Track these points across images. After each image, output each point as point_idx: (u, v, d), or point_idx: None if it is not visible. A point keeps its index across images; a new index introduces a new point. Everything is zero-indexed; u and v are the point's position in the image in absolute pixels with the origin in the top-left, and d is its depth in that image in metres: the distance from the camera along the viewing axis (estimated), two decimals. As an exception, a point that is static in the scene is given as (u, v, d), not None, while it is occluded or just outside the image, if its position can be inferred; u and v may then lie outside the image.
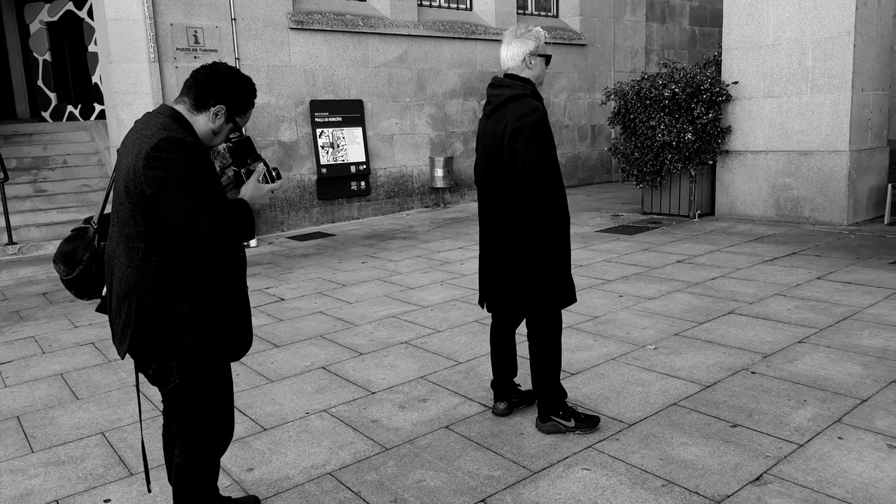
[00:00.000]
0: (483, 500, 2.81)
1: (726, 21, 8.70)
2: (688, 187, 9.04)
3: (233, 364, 4.51)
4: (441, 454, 3.20)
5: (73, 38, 11.25)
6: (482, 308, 3.50)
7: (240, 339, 2.40)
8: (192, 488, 2.43)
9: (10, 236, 8.48)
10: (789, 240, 7.49)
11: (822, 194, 8.18)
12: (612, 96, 9.27)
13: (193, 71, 2.28)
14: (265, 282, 6.90)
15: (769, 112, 8.42)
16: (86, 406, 4.03)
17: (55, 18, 11.28)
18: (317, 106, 9.88)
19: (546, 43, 3.26)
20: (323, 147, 9.98)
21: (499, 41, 11.98)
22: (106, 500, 2.99)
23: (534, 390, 3.40)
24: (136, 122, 2.28)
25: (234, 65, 8.98)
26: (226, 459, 3.26)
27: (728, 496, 2.74)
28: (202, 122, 2.25)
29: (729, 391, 3.71)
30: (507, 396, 3.56)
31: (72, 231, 2.46)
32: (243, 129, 2.41)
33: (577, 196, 11.99)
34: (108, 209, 2.37)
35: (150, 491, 2.63)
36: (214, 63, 2.30)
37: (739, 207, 8.90)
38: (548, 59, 3.23)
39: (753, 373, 3.94)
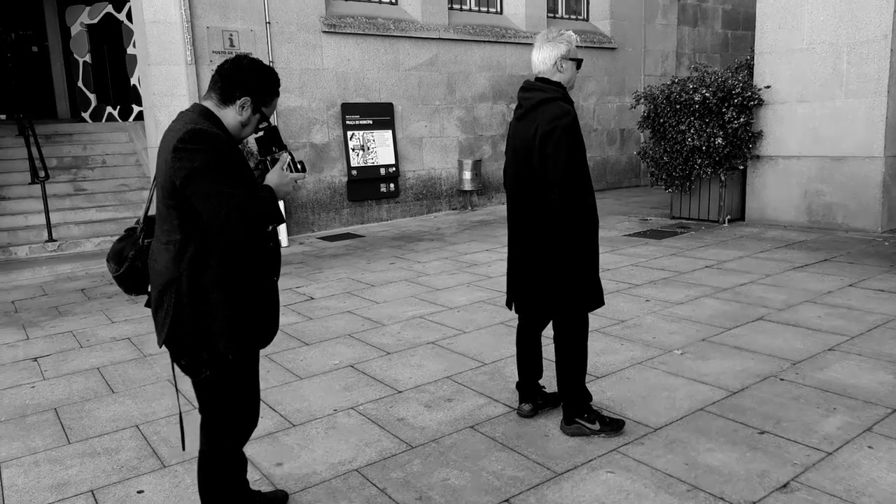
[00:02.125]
0: (507, 501, 2.84)
1: (759, 25, 8.61)
2: (718, 192, 8.96)
3: (264, 360, 4.62)
4: (466, 454, 3.24)
5: (112, 40, 11.54)
6: (510, 309, 3.53)
7: (267, 326, 2.49)
8: (216, 476, 2.52)
9: (50, 233, 8.73)
10: (821, 246, 7.38)
11: (855, 200, 8.05)
12: (642, 100, 9.22)
13: (218, 66, 2.36)
14: (295, 281, 7.00)
15: (802, 117, 8.32)
16: (121, 399, 4.15)
17: (95, 21, 11.57)
18: (348, 109, 9.99)
19: (577, 47, 3.29)
20: (353, 149, 10.09)
21: (529, 45, 11.99)
22: (139, 491, 3.08)
23: (559, 392, 3.42)
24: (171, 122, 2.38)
25: (267, 67, 9.19)
26: (255, 454, 3.34)
27: (754, 503, 2.73)
28: (231, 116, 2.33)
29: (757, 398, 3.69)
30: (532, 398, 3.58)
31: (124, 231, 2.57)
32: (272, 120, 2.48)
33: (606, 200, 11.95)
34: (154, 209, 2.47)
35: (184, 449, 2.72)
36: (237, 56, 2.37)
37: (770, 213, 8.79)
38: (579, 62, 3.26)
39: (782, 380, 3.91)
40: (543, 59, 3.18)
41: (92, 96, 12.16)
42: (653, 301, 5.63)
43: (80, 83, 12.25)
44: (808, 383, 3.84)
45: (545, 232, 3.19)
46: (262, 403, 3.91)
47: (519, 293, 3.41)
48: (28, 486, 3.18)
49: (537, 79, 3.24)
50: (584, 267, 3.22)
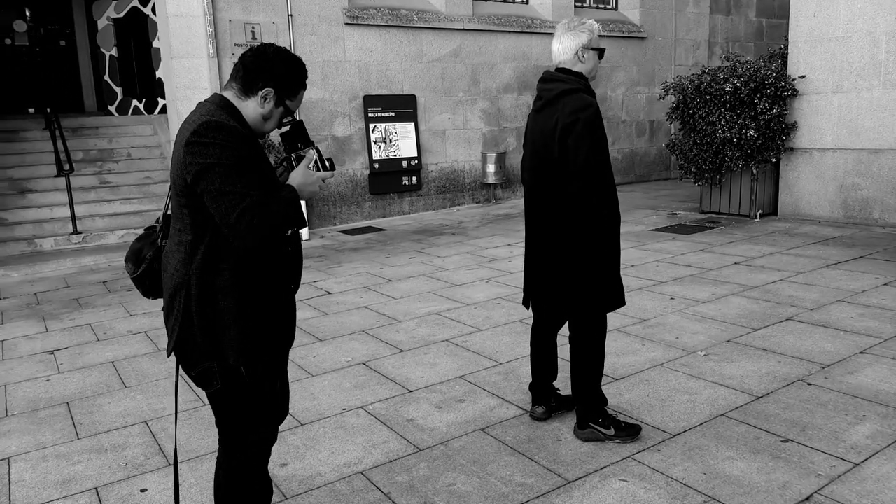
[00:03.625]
0: (514, 508, 2.73)
1: (793, 13, 8.31)
2: (749, 186, 8.69)
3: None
4: (474, 458, 3.14)
5: (138, 34, 11.60)
6: (526, 308, 3.42)
7: (282, 338, 2.30)
8: (233, 493, 2.32)
9: (74, 226, 8.81)
10: (856, 242, 7.11)
11: (893, 195, 7.73)
12: (671, 91, 8.98)
13: (241, 54, 2.18)
14: (314, 275, 6.96)
15: (838, 108, 8.01)
16: (132, 394, 4.13)
17: (121, 15, 11.65)
18: (370, 101, 9.91)
19: (600, 36, 3.14)
20: (375, 142, 10.01)
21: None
22: (143, 490, 3.04)
23: (573, 395, 3.30)
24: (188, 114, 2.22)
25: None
26: (261, 454, 3.27)
27: (774, 516, 2.59)
28: (251, 108, 2.15)
29: (782, 403, 3.52)
30: (545, 400, 3.47)
31: (144, 230, 2.41)
32: (296, 114, 2.28)
33: (634, 193, 11.71)
34: None
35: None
36: (262, 44, 2.19)
37: (804, 208, 8.50)
38: (601, 52, 3.11)
39: (810, 384, 3.73)
40: (564, 48, 3.04)
41: (118, 90, 12.27)
42: (677, 299, 5.45)
43: (106, 77, 12.36)
44: (837, 388, 3.65)
45: (564, 227, 3.06)
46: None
47: (536, 291, 3.29)
48: (34, 481, 3.16)
49: (558, 69, 3.10)
50: (604, 264, 3.08)
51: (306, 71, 2.22)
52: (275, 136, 8.32)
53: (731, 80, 8.15)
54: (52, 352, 5.00)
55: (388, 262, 7.40)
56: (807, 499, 2.68)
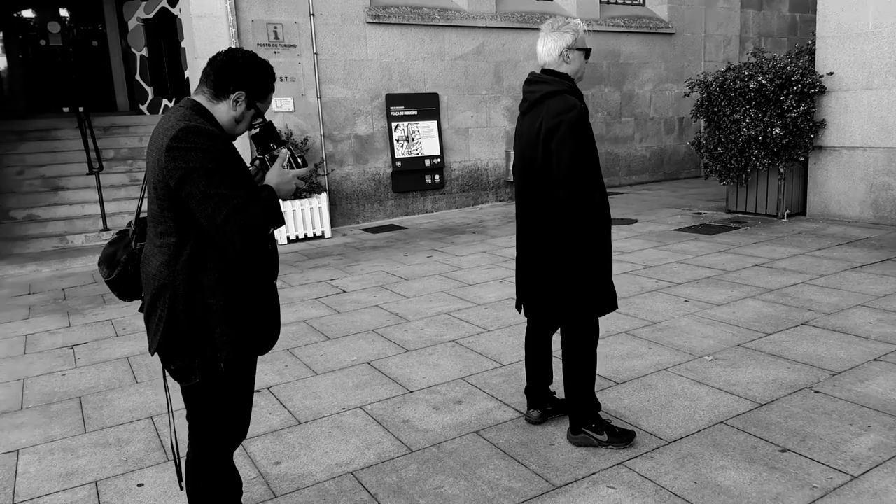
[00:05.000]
0: (498, 513, 2.73)
1: (821, 8, 8.08)
2: (776, 185, 8.49)
3: (284, 355, 4.63)
4: (465, 461, 3.14)
5: (167, 34, 11.82)
6: (519, 312, 3.40)
7: (268, 333, 2.38)
8: (205, 482, 2.44)
9: (104, 223, 9.04)
10: (885, 244, 6.90)
11: (927, 195, 7.48)
12: (696, 87, 8.82)
13: (210, 58, 2.25)
14: (332, 273, 7.02)
15: (867, 105, 7.77)
16: (142, 390, 4.22)
17: (151, 15, 11.88)
18: (392, 99, 9.94)
19: (587, 33, 3.09)
20: (398, 140, 10.04)
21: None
22: (139, 484, 3.11)
23: (566, 400, 3.27)
24: (160, 118, 2.30)
25: (312, 60, 9.22)
26: (257, 451, 3.33)
27: (762, 528, 2.53)
28: (223, 111, 2.22)
29: (785, 411, 3.44)
30: (540, 404, 3.44)
31: (116, 233, 2.47)
32: (265, 116, 2.36)
33: (661, 191, 11.55)
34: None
35: (182, 489, 2.53)
36: (230, 49, 2.27)
37: (833, 207, 8.28)
38: (587, 52, 3.07)
39: (817, 392, 3.64)
40: (548, 49, 3.01)
41: (149, 89, 12.52)
42: (691, 301, 5.36)
43: (137, 76, 12.63)
44: (845, 397, 3.55)
45: (552, 232, 3.03)
46: (273, 399, 3.93)
47: (527, 295, 3.27)
48: (39, 473, 3.26)
49: (543, 71, 3.07)
50: (593, 269, 3.05)
51: (274, 74, 2.28)
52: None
53: (756, 76, 7.97)
54: (71, 347, 5.14)
55: (406, 260, 7.42)
56: (798, 511, 2.62)
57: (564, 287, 3.07)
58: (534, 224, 3.12)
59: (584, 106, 2.96)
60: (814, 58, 8.24)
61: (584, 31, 3.04)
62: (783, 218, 8.51)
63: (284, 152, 2.34)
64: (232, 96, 2.21)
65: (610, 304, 3.14)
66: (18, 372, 4.66)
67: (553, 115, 2.90)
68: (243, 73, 2.21)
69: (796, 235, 7.56)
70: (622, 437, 3.16)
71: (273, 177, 2.27)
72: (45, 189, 9.60)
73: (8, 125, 10.87)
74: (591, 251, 3.03)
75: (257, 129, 2.34)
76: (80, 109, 10.20)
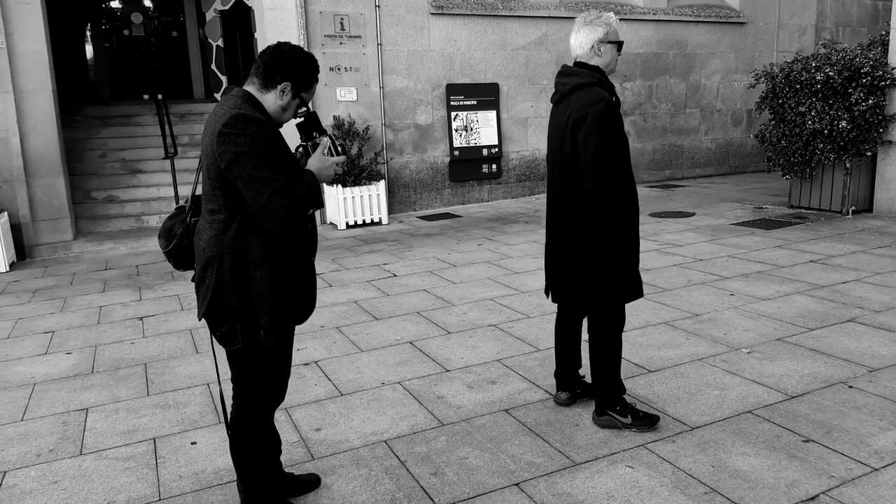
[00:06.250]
0: (517, 484, 2.87)
1: (897, -4, 7.76)
2: (841, 180, 8.23)
3: (333, 332, 4.88)
4: (492, 435, 3.29)
5: (242, 24, 12.32)
6: (547, 297, 3.52)
7: (304, 304, 2.60)
8: (247, 441, 2.66)
9: (177, 204, 9.54)
10: (954, 244, 6.63)
11: None
12: (761, 79, 8.62)
13: (260, 52, 2.46)
14: (384, 258, 7.26)
15: (944, 99, 7.44)
16: (201, 359, 4.55)
17: (227, 7, 12.40)
18: (452, 90, 10.10)
19: (620, 23, 3.17)
20: (457, 130, 10.20)
21: (647, 21, 11.51)
22: (193, 443, 3.40)
23: (592, 383, 3.38)
24: (215, 105, 2.54)
25: (376, 50, 9.47)
26: (300, 418, 3.57)
27: (773, 512, 2.60)
28: (271, 100, 2.42)
29: (815, 404, 3.45)
30: (569, 387, 3.56)
31: (175, 209, 2.73)
32: (310, 105, 2.57)
33: (724, 185, 11.32)
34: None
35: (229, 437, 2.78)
36: (279, 43, 2.48)
37: (903, 205, 7.98)
38: (619, 45, 3.15)
39: (851, 387, 3.62)
40: (580, 42, 3.11)
41: (223, 78, 13.08)
42: (737, 295, 5.33)
43: (213, 66, 13.20)
44: (879, 392, 3.53)
45: (578, 221, 3.14)
46: (319, 372, 4.18)
47: (555, 282, 3.39)
48: (105, 429, 3.60)
49: (575, 63, 3.17)
50: (618, 258, 3.14)
51: (318, 66, 2.49)
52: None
53: (824, 68, 7.74)
54: (140, 318, 5.55)
55: (457, 248, 7.59)
56: (812, 498, 2.67)
57: (590, 275, 3.17)
58: (562, 213, 3.23)
59: (614, 98, 3.05)
60: (887, 49, 7.93)
61: (617, 24, 3.11)
62: (847, 214, 8.25)
63: (326, 140, 2.54)
64: (279, 86, 2.41)
65: (635, 292, 3.22)
66: (91, 339, 5.08)
67: (581, 106, 3.00)
68: (289, 65, 2.41)
69: (858, 233, 7.34)
70: (646, 421, 3.25)
71: (314, 163, 2.48)
72: (124, 172, 10.21)
73: (93, 111, 11.59)
74: (617, 241, 3.12)
75: (302, 118, 2.55)
76: (159, 97, 10.76)
